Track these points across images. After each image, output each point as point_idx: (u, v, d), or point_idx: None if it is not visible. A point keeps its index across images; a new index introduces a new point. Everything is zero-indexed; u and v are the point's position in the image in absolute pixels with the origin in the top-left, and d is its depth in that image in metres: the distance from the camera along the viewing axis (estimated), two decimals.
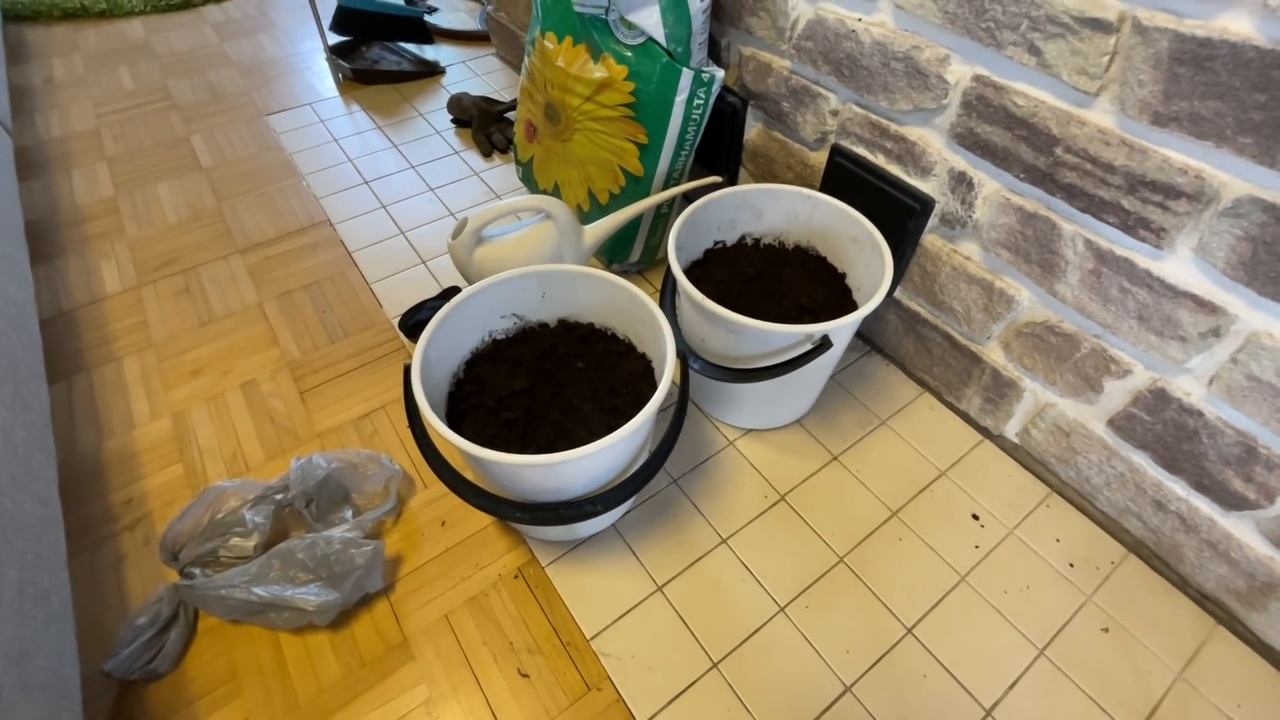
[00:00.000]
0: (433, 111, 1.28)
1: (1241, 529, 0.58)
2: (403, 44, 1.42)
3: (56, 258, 0.98)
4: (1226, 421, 0.55)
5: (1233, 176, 0.47)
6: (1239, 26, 0.43)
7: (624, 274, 0.97)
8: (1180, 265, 0.53)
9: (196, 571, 0.62)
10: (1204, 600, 0.65)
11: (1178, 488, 0.61)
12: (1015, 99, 0.57)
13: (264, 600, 0.59)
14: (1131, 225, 0.54)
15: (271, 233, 1.02)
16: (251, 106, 1.29)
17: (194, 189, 1.10)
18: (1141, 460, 0.63)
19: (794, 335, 0.62)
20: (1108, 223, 0.55)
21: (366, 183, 1.11)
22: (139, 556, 0.67)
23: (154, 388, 0.81)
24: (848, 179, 0.75)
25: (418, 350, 0.58)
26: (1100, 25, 0.49)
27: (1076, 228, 0.58)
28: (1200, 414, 0.57)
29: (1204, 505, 0.60)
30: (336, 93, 1.33)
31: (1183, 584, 0.66)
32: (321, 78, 1.37)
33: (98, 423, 0.78)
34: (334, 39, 1.37)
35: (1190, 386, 0.57)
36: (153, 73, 1.38)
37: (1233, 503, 0.58)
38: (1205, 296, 0.52)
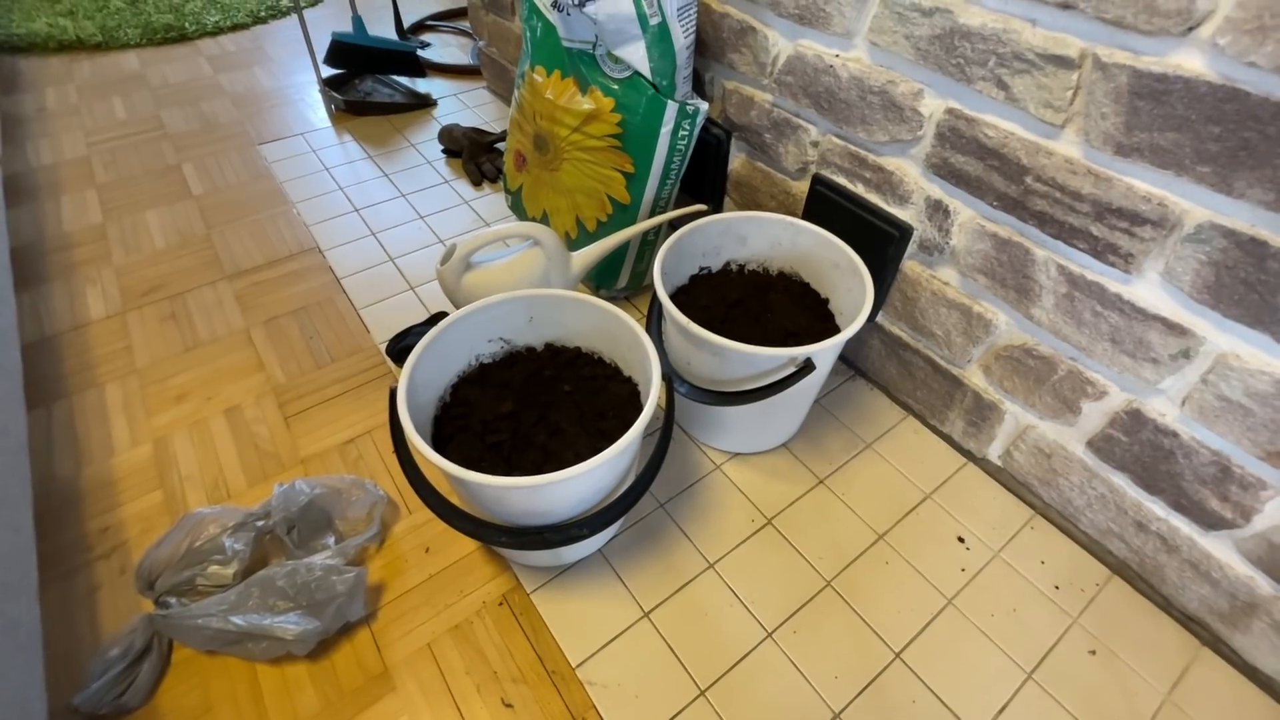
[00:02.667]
0: (424, 142, 1.30)
1: (1221, 548, 0.59)
2: (395, 77, 1.45)
3: (42, 283, 0.97)
4: (1201, 441, 0.56)
5: (1194, 204, 0.49)
6: (1192, 63, 0.46)
7: (612, 300, 0.98)
8: (1149, 289, 0.55)
9: (172, 601, 0.61)
10: (1188, 621, 0.65)
11: (1157, 508, 0.62)
12: (986, 131, 0.59)
13: (241, 630, 0.58)
14: (1101, 251, 0.56)
15: (260, 259, 1.03)
16: (244, 136, 1.31)
17: (183, 216, 1.10)
18: (1121, 481, 0.64)
19: (777, 358, 0.63)
20: (1078, 248, 0.57)
21: (357, 210, 1.13)
22: (114, 586, 0.65)
23: (135, 414, 0.80)
24: (829, 207, 0.77)
25: (404, 372, 0.58)
26: (1063, 61, 0.51)
27: (1049, 253, 0.60)
28: (1175, 434, 0.58)
29: (1183, 525, 0.61)
30: (329, 123, 1.35)
31: (1167, 605, 0.66)
32: (314, 109, 1.39)
33: (76, 449, 0.76)
34: (328, 72, 1.40)
35: (1164, 407, 0.58)
36: (146, 103, 1.40)
37: (1211, 522, 0.59)
38: (1174, 319, 0.54)
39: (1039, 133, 0.56)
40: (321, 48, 1.40)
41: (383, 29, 1.60)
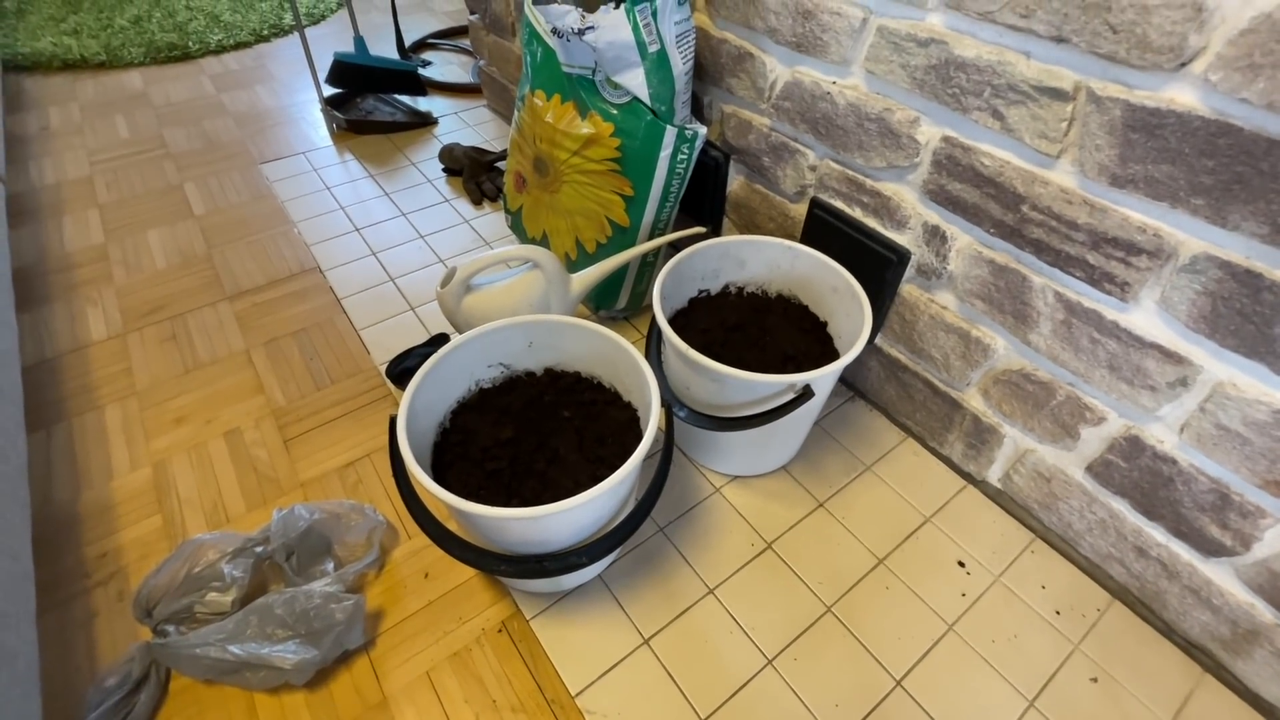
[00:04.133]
0: (425, 161, 1.31)
1: (1221, 575, 0.59)
2: (397, 95, 1.46)
3: (43, 304, 0.97)
4: (1199, 469, 0.56)
5: (1189, 235, 0.50)
6: (1185, 98, 0.46)
7: (611, 321, 0.98)
8: (1145, 317, 0.55)
9: (170, 629, 0.61)
10: (1190, 648, 0.65)
11: (1157, 534, 0.62)
12: (982, 159, 0.60)
13: (240, 659, 0.58)
14: (1097, 279, 0.56)
15: (261, 279, 1.03)
16: (246, 155, 1.32)
17: (185, 236, 1.11)
18: (1121, 506, 0.64)
19: (776, 385, 0.63)
20: (1075, 276, 0.58)
21: (358, 230, 1.13)
22: (111, 613, 0.65)
23: (135, 437, 0.80)
24: (827, 230, 0.77)
25: (404, 402, 0.59)
26: (1057, 94, 0.52)
27: (1046, 280, 0.60)
28: (1174, 461, 0.58)
29: (1183, 551, 0.61)
30: (330, 142, 1.36)
31: (1168, 631, 0.66)
32: (316, 128, 1.40)
33: (75, 473, 0.76)
34: (329, 90, 1.41)
35: (1163, 434, 0.58)
36: (149, 122, 1.41)
37: (1211, 549, 0.59)
38: (1171, 348, 0.54)
39: (1035, 162, 0.56)
40: (323, 66, 1.41)
41: (384, 48, 1.62)
